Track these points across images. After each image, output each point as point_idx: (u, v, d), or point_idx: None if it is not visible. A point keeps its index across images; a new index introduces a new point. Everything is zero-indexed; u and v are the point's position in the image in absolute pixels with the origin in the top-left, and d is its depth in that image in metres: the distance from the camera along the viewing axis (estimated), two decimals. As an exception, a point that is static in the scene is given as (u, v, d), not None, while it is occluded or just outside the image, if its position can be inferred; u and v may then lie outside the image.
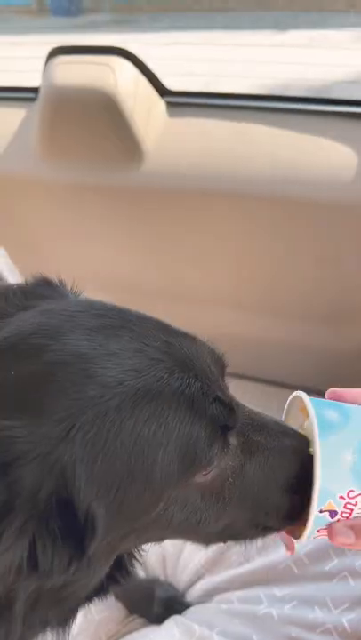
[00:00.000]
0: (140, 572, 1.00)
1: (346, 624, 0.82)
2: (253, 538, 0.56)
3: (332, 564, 0.89)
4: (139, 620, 0.97)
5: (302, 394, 0.52)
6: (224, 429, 0.47)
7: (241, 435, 0.50)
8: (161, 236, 1.29)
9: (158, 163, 1.24)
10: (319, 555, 0.90)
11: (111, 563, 0.51)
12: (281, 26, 2.67)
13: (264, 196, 1.19)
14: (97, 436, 0.41)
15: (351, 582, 0.86)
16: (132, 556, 0.57)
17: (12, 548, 0.39)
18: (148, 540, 0.53)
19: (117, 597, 0.98)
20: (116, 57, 1.22)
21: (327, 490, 0.47)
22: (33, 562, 0.40)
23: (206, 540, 0.56)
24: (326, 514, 0.47)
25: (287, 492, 0.52)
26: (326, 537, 0.50)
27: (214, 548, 0.96)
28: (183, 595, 0.97)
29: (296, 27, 2.68)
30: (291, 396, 0.56)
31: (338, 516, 0.47)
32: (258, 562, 0.92)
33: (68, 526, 0.41)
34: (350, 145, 1.18)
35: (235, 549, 0.95)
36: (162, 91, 1.30)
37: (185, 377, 0.45)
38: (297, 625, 0.83)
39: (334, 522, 0.47)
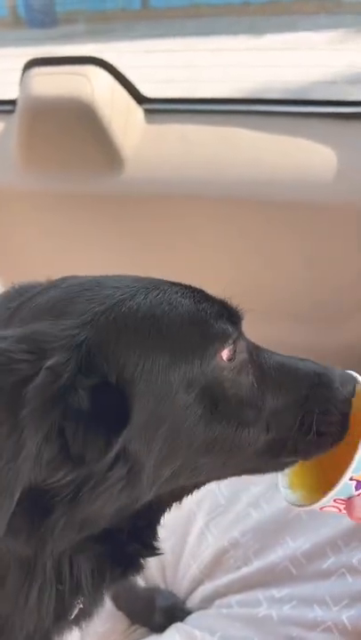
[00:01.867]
0: (141, 582, 0.99)
1: (346, 621, 0.82)
2: (308, 449, 0.54)
3: (330, 561, 0.89)
4: (140, 631, 0.96)
5: (354, 373, 0.56)
6: (229, 319, 0.52)
7: (254, 346, 0.55)
8: (145, 242, 1.29)
9: (138, 169, 1.25)
10: (316, 553, 0.90)
11: (148, 491, 0.49)
12: (255, 30, 2.70)
13: (247, 198, 1.19)
14: (116, 319, 0.46)
15: (349, 579, 0.87)
16: (157, 520, 0.57)
17: (41, 418, 0.40)
18: (183, 468, 0.50)
19: (119, 608, 0.97)
20: (91, 66, 1.23)
21: None
22: (63, 441, 0.42)
23: (259, 460, 0.54)
24: (353, 483, 0.48)
25: (316, 394, 0.53)
26: (338, 510, 0.49)
27: (211, 553, 0.96)
28: (184, 602, 0.97)
29: (270, 31, 2.71)
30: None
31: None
32: (255, 565, 0.92)
33: (99, 405, 0.44)
34: (330, 145, 1.19)
35: (232, 553, 0.95)
36: (139, 98, 1.30)
37: (184, 288, 0.53)
38: (297, 625, 0.83)
39: (355, 495, 0.48)
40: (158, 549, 0.56)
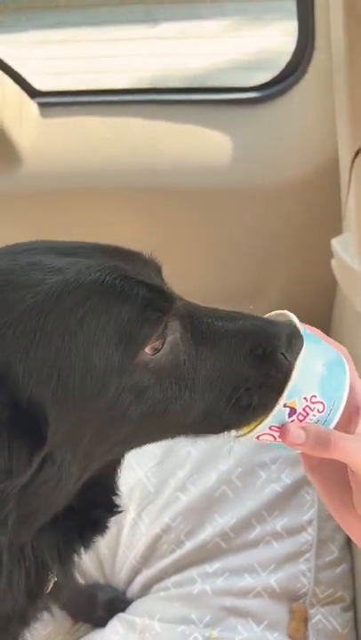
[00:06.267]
0: (80, 580, 1.00)
1: (274, 584, 0.87)
2: (243, 420, 0.51)
3: (256, 531, 0.94)
4: (84, 628, 0.97)
5: (288, 312, 0.55)
6: (155, 308, 0.47)
7: (189, 317, 0.51)
8: (48, 237, 1.27)
9: (37, 165, 1.22)
10: (243, 526, 0.95)
11: (84, 471, 0.48)
12: (150, 19, 2.69)
13: (149, 187, 1.20)
14: (26, 330, 0.43)
15: (275, 544, 0.92)
16: (112, 479, 0.56)
17: None
18: (117, 443, 0.49)
19: (62, 607, 0.97)
20: (-23, 61, 1.18)
21: (297, 387, 0.49)
22: None
23: (191, 433, 0.53)
24: (287, 410, 0.49)
25: (255, 364, 0.50)
26: (273, 438, 0.50)
27: (146, 542, 0.98)
28: (124, 593, 0.98)
29: (165, 19, 2.72)
30: (271, 313, 0.56)
31: (294, 417, 0.49)
32: (188, 545, 0.95)
33: (17, 419, 0.43)
34: (225, 130, 1.22)
35: (165, 539, 0.97)
36: (31, 92, 1.27)
37: (103, 269, 0.47)
38: (230, 594, 0.87)
39: (288, 422, 0.49)
40: (119, 507, 0.56)
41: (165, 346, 0.48)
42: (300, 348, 0.51)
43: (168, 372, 0.48)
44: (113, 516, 0.56)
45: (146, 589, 0.96)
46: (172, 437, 0.55)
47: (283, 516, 0.95)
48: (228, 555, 0.92)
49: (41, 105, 1.28)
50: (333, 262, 1.03)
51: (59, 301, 0.44)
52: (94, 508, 0.54)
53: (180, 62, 2.51)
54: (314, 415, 0.49)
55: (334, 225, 1.09)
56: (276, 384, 0.50)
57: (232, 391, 0.50)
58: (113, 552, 1.00)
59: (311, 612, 0.86)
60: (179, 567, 0.93)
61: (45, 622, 0.95)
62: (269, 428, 0.50)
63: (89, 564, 1.00)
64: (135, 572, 0.98)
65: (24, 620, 0.60)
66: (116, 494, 0.57)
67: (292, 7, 1.12)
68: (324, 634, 0.85)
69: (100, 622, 0.95)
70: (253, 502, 0.97)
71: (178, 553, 0.94)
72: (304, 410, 0.49)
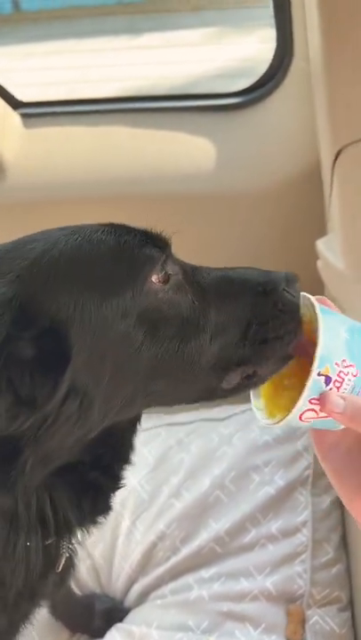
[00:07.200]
0: (77, 591, 0.99)
1: (270, 587, 0.87)
2: (262, 356, 0.53)
3: (251, 535, 0.94)
4: (82, 639, 0.96)
5: (303, 293, 0.56)
6: (154, 245, 0.53)
7: (188, 266, 0.56)
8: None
9: (21, 176, 1.23)
10: (238, 530, 0.95)
11: (103, 419, 0.51)
12: (133, 30, 2.72)
13: (134, 195, 1.21)
14: (40, 270, 0.49)
15: (270, 547, 0.92)
16: (121, 447, 0.58)
17: None
18: (135, 393, 0.52)
19: (58, 618, 0.96)
20: None
21: (326, 354, 0.49)
22: (15, 390, 0.45)
23: (210, 376, 0.54)
24: (322, 379, 0.49)
25: (261, 299, 0.54)
26: (315, 413, 0.50)
27: (141, 550, 0.97)
28: (121, 602, 0.98)
29: (148, 30, 2.74)
30: None
31: (331, 385, 0.49)
32: (183, 552, 0.94)
33: (41, 351, 0.47)
34: (209, 136, 1.24)
35: (160, 546, 0.97)
36: (14, 103, 1.27)
37: (103, 225, 0.54)
38: (227, 599, 0.87)
39: (327, 390, 0.49)
40: (121, 480, 0.58)
41: (171, 282, 0.52)
42: (298, 288, 0.54)
43: (177, 307, 0.52)
44: (112, 486, 0.58)
45: (143, 598, 0.95)
46: (193, 393, 0.55)
47: (277, 518, 0.95)
48: (223, 559, 0.92)
49: (24, 116, 1.29)
50: (319, 263, 1.04)
51: (67, 247, 0.50)
52: (94, 469, 0.56)
53: (163, 71, 2.53)
54: (350, 380, 0.50)
55: (318, 227, 1.11)
56: (285, 315, 0.53)
57: (245, 328, 0.53)
58: (109, 562, 1.00)
59: (308, 613, 0.86)
60: (175, 574, 0.93)
61: (43, 634, 0.95)
62: (310, 401, 0.49)
63: (85, 574, 1.00)
64: (132, 581, 0.98)
65: (34, 598, 0.61)
66: (122, 465, 0.58)
67: (272, 15, 1.14)
68: (321, 635, 0.84)
69: (98, 633, 0.94)
70: (248, 505, 0.97)
71: (173, 560, 0.94)
72: (338, 375, 0.49)
